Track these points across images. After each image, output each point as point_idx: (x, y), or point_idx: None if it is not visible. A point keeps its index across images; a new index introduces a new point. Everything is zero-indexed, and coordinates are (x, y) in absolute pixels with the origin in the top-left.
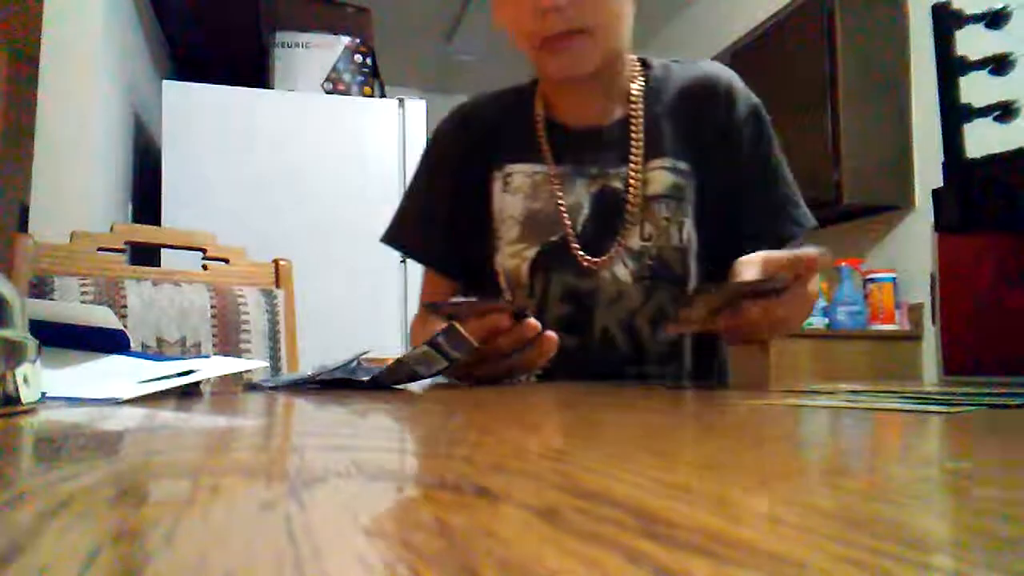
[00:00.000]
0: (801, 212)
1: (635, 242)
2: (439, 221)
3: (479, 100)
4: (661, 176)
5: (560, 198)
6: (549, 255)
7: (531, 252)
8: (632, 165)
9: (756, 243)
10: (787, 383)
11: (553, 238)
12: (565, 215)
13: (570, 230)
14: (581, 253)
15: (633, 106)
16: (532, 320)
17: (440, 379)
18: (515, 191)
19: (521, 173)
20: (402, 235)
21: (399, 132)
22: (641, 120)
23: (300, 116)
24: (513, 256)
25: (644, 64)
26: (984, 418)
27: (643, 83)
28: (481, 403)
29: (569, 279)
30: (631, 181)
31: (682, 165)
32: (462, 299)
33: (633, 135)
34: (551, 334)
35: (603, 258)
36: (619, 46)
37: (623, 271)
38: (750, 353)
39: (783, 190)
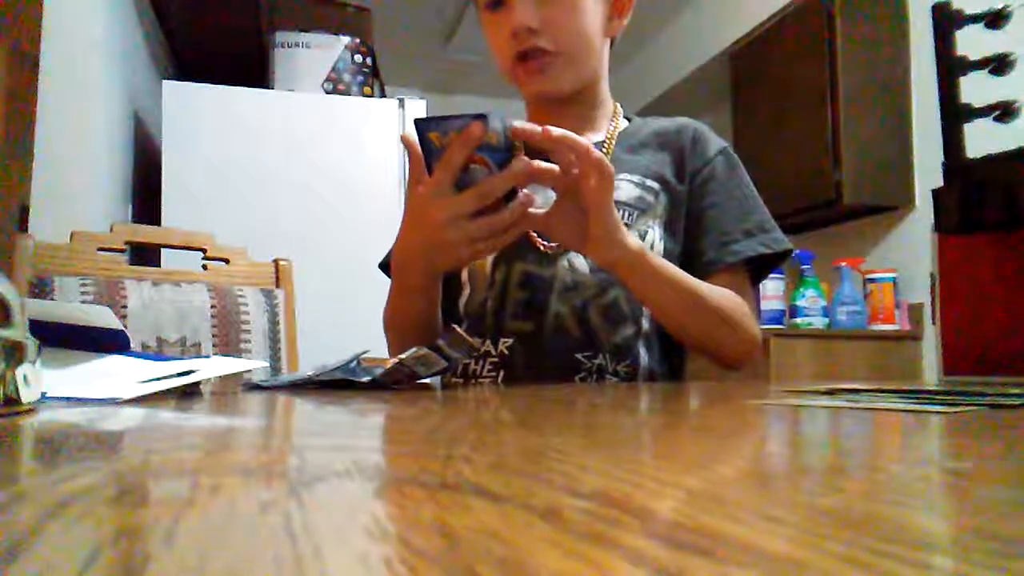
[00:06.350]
0: (774, 236)
1: None
2: None
3: None
4: (627, 187)
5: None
6: (512, 246)
7: None
8: None
9: (731, 255)
10: (787, 383)
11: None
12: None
13: None
14: (540, 239)
15: (608, 134)
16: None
17: (439, 380)
18: None
19: None
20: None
21: (399, 132)
22: (613, 142)
23: (300, 116)
24: None
25: (626, 118)
26: (984, 418)
27: (624, 122)
28: (481, 403)
29: (528, 266)
30: None
31: (651, 183)
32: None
33: (604, 150)
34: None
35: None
36: (591, 72)
37: (581, 261)
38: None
39: (758, 216)
